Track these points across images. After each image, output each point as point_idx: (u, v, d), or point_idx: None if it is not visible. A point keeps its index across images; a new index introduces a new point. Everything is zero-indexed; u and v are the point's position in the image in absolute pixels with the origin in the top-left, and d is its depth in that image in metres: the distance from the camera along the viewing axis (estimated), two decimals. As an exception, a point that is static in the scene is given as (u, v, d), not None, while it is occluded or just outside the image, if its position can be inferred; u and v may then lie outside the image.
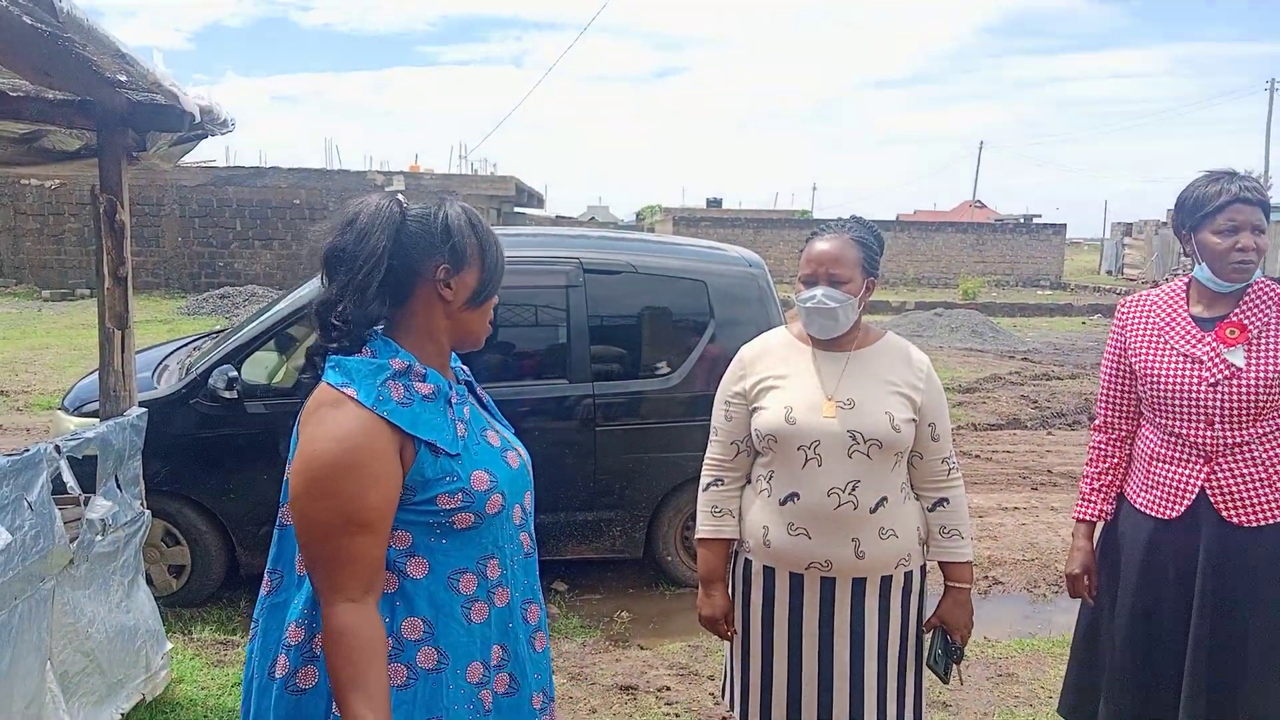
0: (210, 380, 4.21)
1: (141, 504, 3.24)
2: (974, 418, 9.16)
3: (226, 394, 4.19)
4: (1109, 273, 36.46)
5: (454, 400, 1.55)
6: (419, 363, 1.52)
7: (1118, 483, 2.49)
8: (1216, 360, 2.24)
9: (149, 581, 3.66)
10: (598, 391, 4.53)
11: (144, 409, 3.34)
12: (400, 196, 1.55)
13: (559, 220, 31.61)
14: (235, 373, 4.23)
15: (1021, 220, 40.90)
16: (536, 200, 28.12)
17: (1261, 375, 2.19)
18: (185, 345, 5.57)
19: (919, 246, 31.05)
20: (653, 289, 4.74)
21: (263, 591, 1.57)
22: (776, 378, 2.23)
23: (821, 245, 2.20)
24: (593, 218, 44.03)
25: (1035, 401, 10.00)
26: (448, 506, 1.48)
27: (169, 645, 3.40)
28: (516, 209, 26.88)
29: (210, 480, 4.30)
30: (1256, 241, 2.20)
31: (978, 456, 7.65)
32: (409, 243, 1.51)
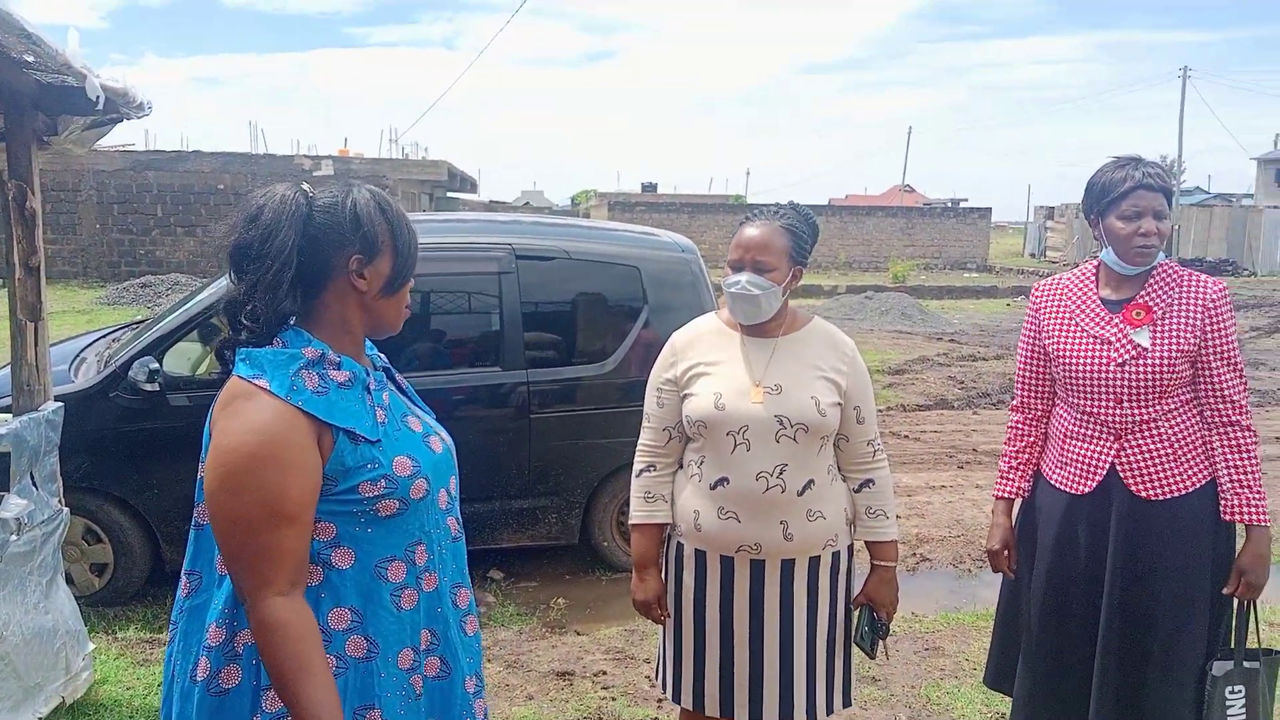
0: (130, 372, 4.09)
1: (59, 501, 3.14)
2: (903, 399, 9.37)
3: (148, 386, 4.08)
4: (1032, 255, 37.50)
5: (372, 387, 1.54)
6: (333, 351, 1.50)
7: (1035, 460, 2.58)
8: (1124, 341, 2.33)
9: (69, 581, 3.56)
10: (532, 378, 4.52)
11: (60, 403, 3.24)
12: (306, 186, 1.51)
13: (493, 205, 31.32)
14: (157, 365, 4.11)
15: (949, 204, 41.78)
16: (470, 185, 27.80)
17: (1165, 354, 2.29)
18: (104, 337, 5.39)
19: (850, 230, 31.51)
20: (586, 275, 4.74)
21: (180, 593, 1.54)
22: (707, 364, 2.26)
23: (750, 232, 2.22)
24: (527, 203, 43.69)
25: (962, 382, 10.26)
26: (371, 494, 1.47)
27: (91, 646, 3.31)
28: (449, 194, 26.55)
29: (133, 475, 4.19)
30: (1158, 226, 2.29)
31: (906, 437, 7.83)
32: (318, 235, 1.48)
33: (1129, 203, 2.29)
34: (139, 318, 8.68)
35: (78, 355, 4.83)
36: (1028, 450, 2.57)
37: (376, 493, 1.47)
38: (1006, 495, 2.60)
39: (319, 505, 1.44)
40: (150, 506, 4.21)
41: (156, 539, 4.27)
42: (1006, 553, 2.58)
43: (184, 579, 1.54)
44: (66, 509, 3.18)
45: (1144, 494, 2.34)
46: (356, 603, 1.48)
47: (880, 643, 2.35)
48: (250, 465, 1.37)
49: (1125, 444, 2.35)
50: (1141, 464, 2.34)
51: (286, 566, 1.39)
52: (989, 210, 34.47)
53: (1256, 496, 2.29)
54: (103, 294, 16.99)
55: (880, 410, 8.62)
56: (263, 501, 1.37)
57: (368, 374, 1.55)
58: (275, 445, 1.38)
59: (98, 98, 2.88)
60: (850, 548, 2.34)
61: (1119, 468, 2.35)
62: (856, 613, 2.34)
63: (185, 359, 4.43)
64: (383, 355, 1.72)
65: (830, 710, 2.31)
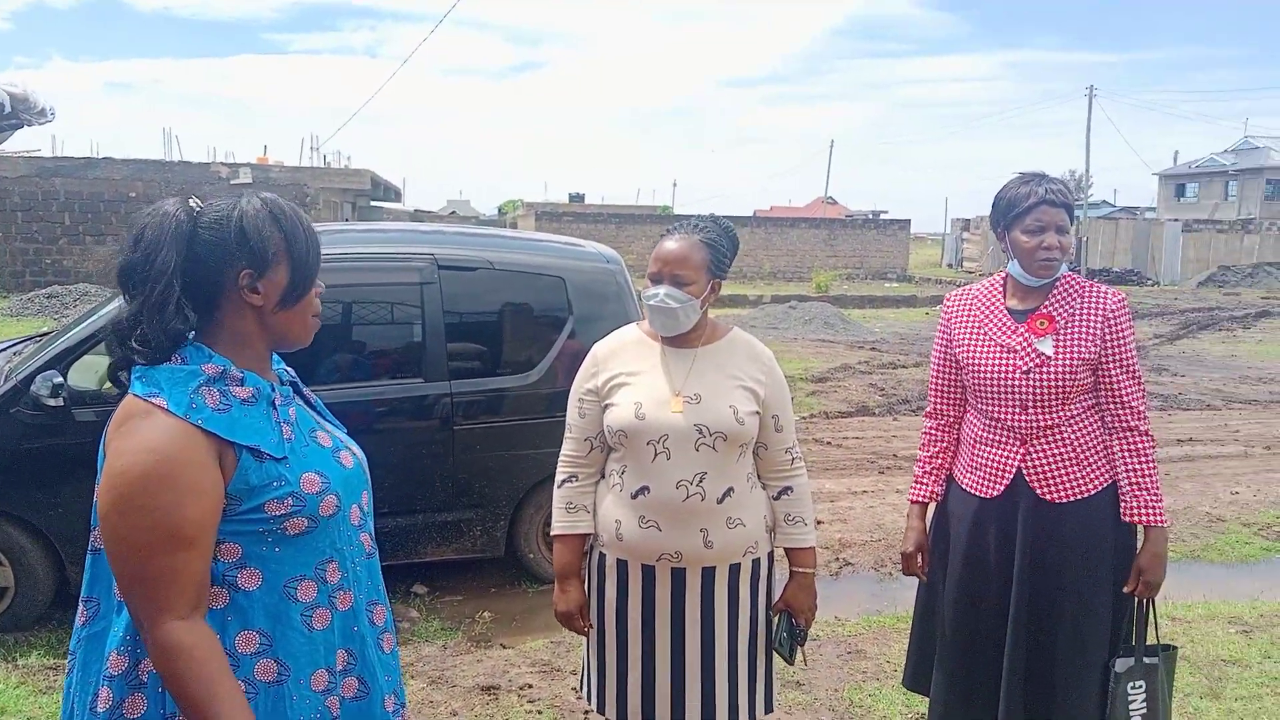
0: (33, 387, 3.93)
1: (-46, 523, 3.00)
2: (825, 406, 9.53)
3: (51, 401, 3.92)
4: (950, 265, 38.59)
5: (278, 402, 1.51)
6: (235, 366, 1.47)
7: (948, 465, 2.65)
8: (1028, 349, 2.42)
9: (-35, 606, 3.39)
10: (455, 390, 4.47)
11: (-45, 420, 3.09)
12: (193, 202, 1.48)
13: (418, 214, 30.93)
14: (62, 379, 3.96)
15: (870, 216, 42.70)
16: (394, 194, 27.44)
17: (1068, 363, 2.38)
18: (6, 349, 5.17)
19: (774, 241, 32.00)
20: (510, 285, 4.72)
21: (78, 622, 1.48)
22: (627, 374, 2.27)
23: (670, 245, 2.25)
24: (453, 212, 43.29)
25: (882, 389, 10.49)
26: (278, 513, 1.43)
27: (-11, 674, 3.16)
28: (373, 203, 26.13)
29: (35, 495, 4.01)
30: (1060, 240, 2.39)
31: (829, 443, 7.97)
32: (205, 253, 1.45)
33: (1032, 217, 2.38)
34: (44, 330, 8.34)
35: (-24, 370, 4.62)
36: (940, 455, 2.65)
37: (284, 511, 1.44)
38: (920, 499, 2.67)
39: (223, 525, 1.41)
40: (54, 527, 4.04)
41: (61, 561, 4.10)
42: (920, 556, 2.65)
43: (81, 606, 1.48)
44: (-38, 531, 3.03)
45: (1049, 497, 2.42)
46: (265, 625, 1.44)
47: (799, 649, 2.38)
48: (144, 487, 1.33)
49: (1030, 449, 2.43)
50: (1046, 468, 2.42)
51: (185, 591, 1.34)
52: (908, 222, 35.41)
53: (1154, 499, 2.38)
54: (6, 305, 16.27)
55: (803, 417, 8.77)
56: (157, 525, 1.32)
57: (273, 389, 1.52)
58: (171, 465, 1.34)
59: (2, 102, 2.78)
60: (770, 555, 2.37)
61: (1025, 472, 2.44)
62: (776, 619, 2.37)
63: (92, 373, 4.26)
64: (290, 370, 1.68)
65: (753, 716, 2.33)
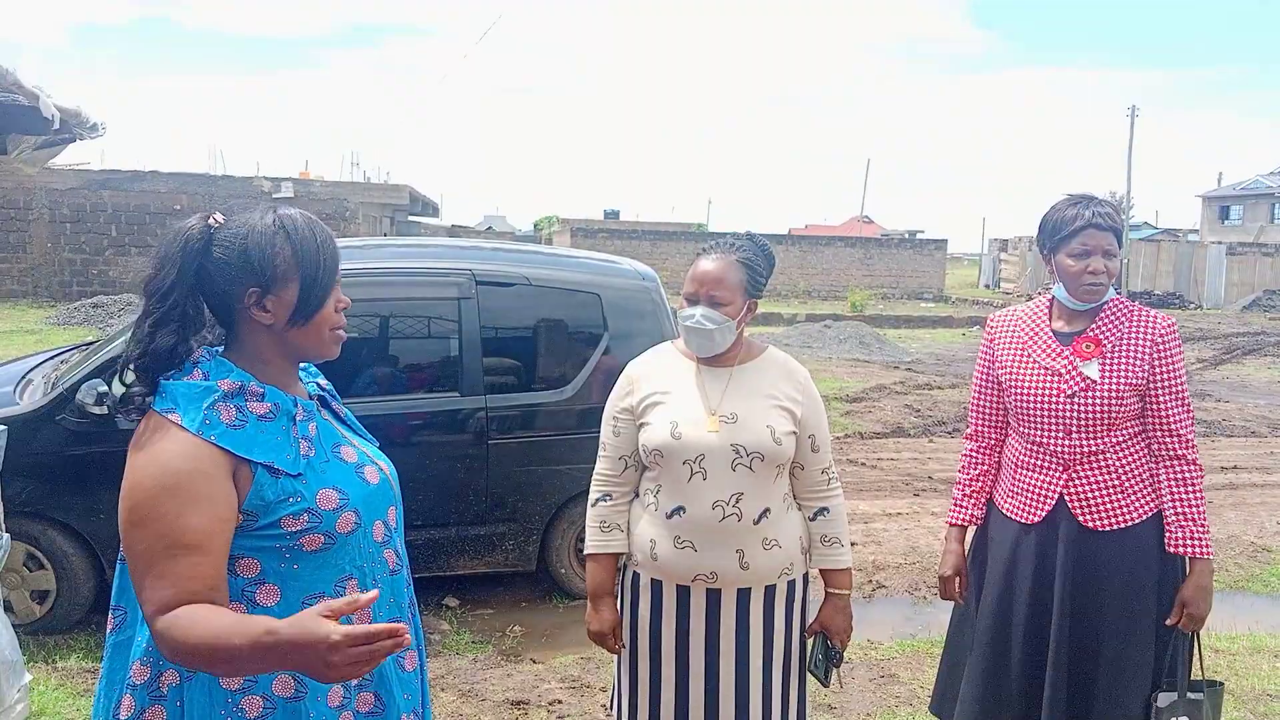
0: (78, 395, 4.01)
1: (0, 527, 3.06)
2: (860, 426, 9.45)
3: (96, 410, 3.99)
4: (987, 286, 38.20)
5: (299, 417, 1.50)
6: (256, 381, 1.47)
7: (988, 488, 2.61)
8: (1073, 373, 2.38)
9: (8, 609, 3.46)
10: (490, 404, 4.50)
11: (3, 426, 3.16)
12: (215, 218, 1.48)
13: (455, 230, 31.24)
14: (106, 387, 4.03)
15: (906, 236, 42.47)
16: (431, 209, 27.73)
17: (1113, 387, 2.34)
18: (52, 358, 5.27)
19: (809, 260, 31.90)
20: (546, 301, 4.74)
21: (108, 628, 1.50)
22: (662, 393, 2.27)
23: (706, 265, 2.24)
24: (490, 228, 43.63)
25: (918, 410, 10.38)
26: (293, 529, 1.43)
27: (28, 676, 3.21)
28: (410, 217, 26.43)
29: (78, 501, 4.09)
30: (1107, 265, 2.35)
31: (863, 464, 7.90)
32: (215, 270, 1.46)
33: (1079, 241, 2.35)
34: (89, 339, 8.51)
35: (24, 377, 4.72)
36: (981, 478, 2.61)
37: (299, 527, 1.43)
38: (959, 522, 2.63)
39: (242, 541, 1.41)
40: (96, 532, 4.11)
41: (101, 566, 4.17)
42: (957, 580, 2.61)
43: (110, 614, 1.50)
44: (8, 535, 3.09)
45: (1091, 524, 2.38)
46: None
47: (834, 671, 2.36)
48: (150, 498, 1.35)
49: (1073, 475, 2.39)
50: (1089, 495, 2.38)
51: (185, 590, 1.33)
52: (945, 242, 35.12)
53: (1200, 529, 2.33)
54: (53, 314, 16.63)
55: (837, 438, 8.71)
56: (161, 533, 1.34)
57: (295, 404, 1.51)
58: (177, 477, 1.35)
59: (53, 116, 2.85)
60: (806, 576, 2.35)
61: (1067, 498, 2.39)
62: (811, 641, 2.35)
63: (136, 382, 4.34)
64: (322, 383, 1.68)
65: (785, 739, 2.30)
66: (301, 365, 1.62)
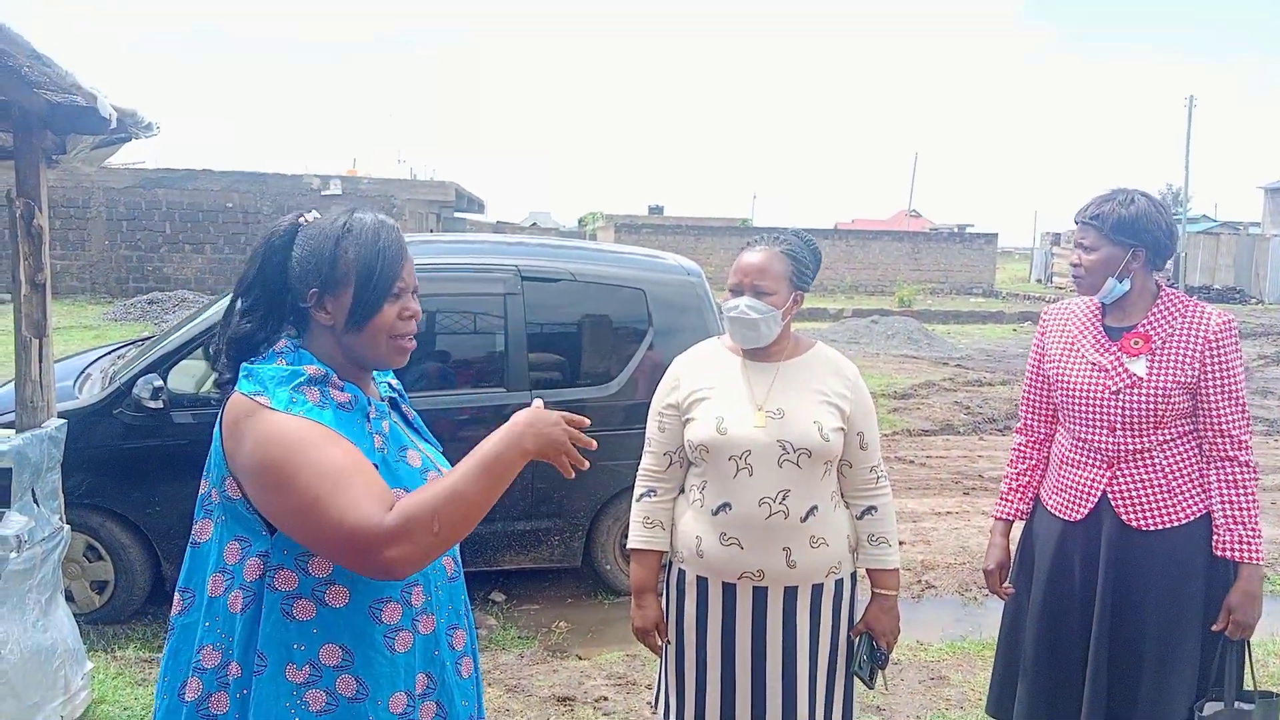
0: (135, 389, 4.10)
1: (60, 519, 3.13)
2: (909, 423, 9.33)
3: (152, 404, 4.07)
4: (1038, 281, 37.49)
5: (372, 415, 1.52)
6: (336, 375, 1.50)
7: (1035, 484, 2.57)
8: (1119, 369, 2.32)
9: (69, 599, 3.55)
10: (536, 400, 4.50)
11: (63, 420, 3.24)
12: (307, 217, 1.52)
13: (500, 226, 31.44)
14: (161, 382, 4.11)
15: (955, 229, 41.82)
16: (477, 206, 27.91)
17: (1161, 385, 2.27)
18: (110, 353, 5.40)
19: (856, 254, 31.54)
20: (592, 297, 4.74)
21: (174, 610, 1.53)
22: (708, 389, 2.25)
23: (750, 257, 2.22)
24: (534, 224, 43.87)
25: (968, 407, 10.22)
26: None
27: (90, 665, 3.30)
28: (457, 214, 26.65)
29: (135, 493, 4.18)
30: (1084, 258, 2.37)
31: (912, 462, 7.80)
32: (291, 267, 1.50)
33: (1076, 235, 2.42)
34: (145, 334, 8.70)
35: (83, 371, 4.84)
36: (1029, 473, 2.57)
37: None
38: (1005, 517, 2.60)
39: None
40: (152, 524, 4.20)
41: (158, 557, 4.26)
42: (1001, 573, 2.57)
43: (177, 596, 1.52)
44: (67, 526, 3.17)
45: (1134, 523, 2.32)
46: (348, 641, 1.45)
47: (879, 673, 2.32)
48: (285, 458, 1.36)
49: (1118, 472, 2.33)
50: (1133, 493, 2.32)
51: (378, 492, 1.36)
52: (995, 235, 34.47)
53: (1250, 533, 2.25)
54: (110, 310, 17.07)
55: (886, 435, 8.60)
56: (319, 473, 1.34)
57: (370, 403, 1.54)
58: (296, 433, 1.38)
59: (110, 116, 2.91)
60: (853, 575, 2.32)
61: (1111, 496, 2.34)
62: (856, 641, 2.32)
63: (190, 377, 4.43)
64: (392, 382, 1.71)
65: (832, 740, 2.28)
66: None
